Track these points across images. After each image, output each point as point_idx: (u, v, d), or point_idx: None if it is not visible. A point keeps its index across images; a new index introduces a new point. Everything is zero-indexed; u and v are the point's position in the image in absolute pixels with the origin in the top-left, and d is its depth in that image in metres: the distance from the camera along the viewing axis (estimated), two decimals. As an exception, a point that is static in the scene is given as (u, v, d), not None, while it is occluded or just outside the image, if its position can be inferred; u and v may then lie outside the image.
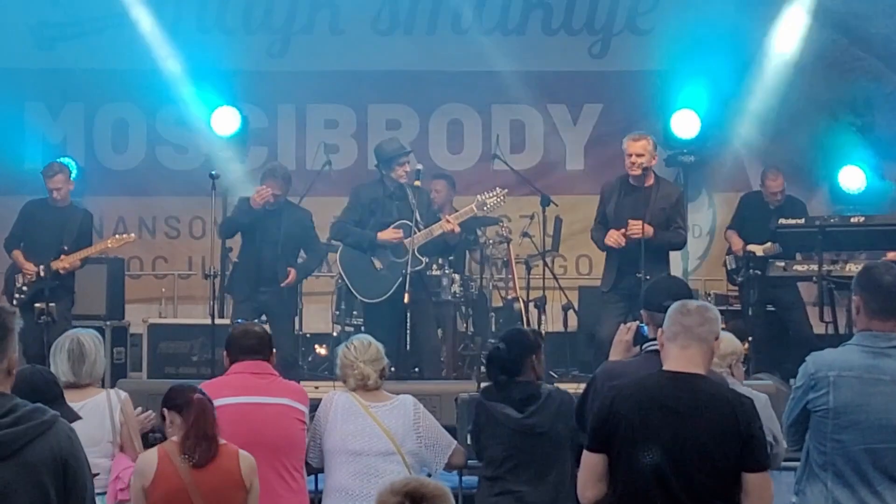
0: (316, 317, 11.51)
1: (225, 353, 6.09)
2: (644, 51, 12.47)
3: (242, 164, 12.00)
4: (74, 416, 4.59)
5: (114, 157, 12.75)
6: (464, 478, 6.66)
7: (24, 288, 9.83)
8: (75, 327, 7.11)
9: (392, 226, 9.40)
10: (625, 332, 5.44)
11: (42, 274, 9.78)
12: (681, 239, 9.44)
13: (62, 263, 9.79)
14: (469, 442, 6.14)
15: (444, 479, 6.56)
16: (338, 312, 10.84)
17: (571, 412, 5.62)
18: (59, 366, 5.87)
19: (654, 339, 4.94)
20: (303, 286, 11.23)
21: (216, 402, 5.24)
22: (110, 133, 12.74)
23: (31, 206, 10.25)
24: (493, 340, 10.88)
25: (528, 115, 12.76)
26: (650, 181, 9.21)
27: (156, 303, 12.20)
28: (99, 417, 5.81)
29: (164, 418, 5.45)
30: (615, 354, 5.44)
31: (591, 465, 4.42)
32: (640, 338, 5.29)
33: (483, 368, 10.48)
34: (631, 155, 9.11)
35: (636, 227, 8.99)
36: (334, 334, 10.99)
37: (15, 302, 9.59)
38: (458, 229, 9.35)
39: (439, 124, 12.78)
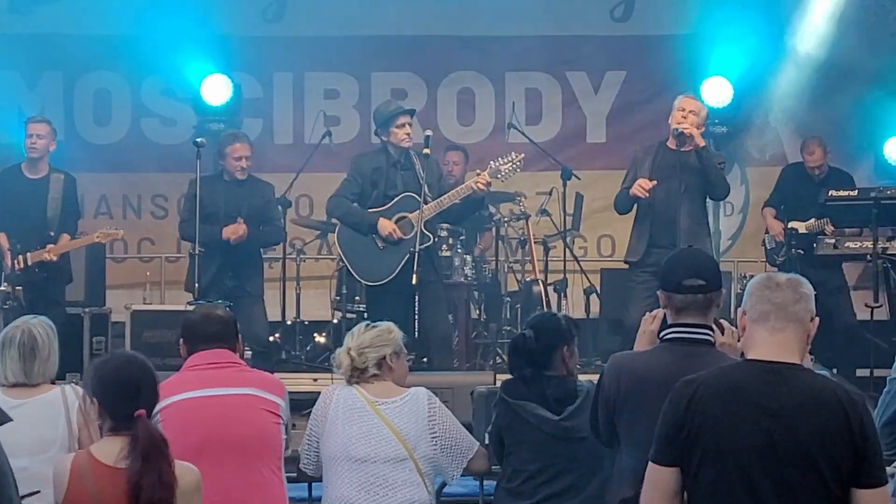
0: (314, 303, 10.89)
1: (181, 341, 5.16)
2: (671, 13, 11.74)
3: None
4: (3, 418, 3.78)
5: (95, 131, 12.01)
6: (485, 484, 5.82)
7: (5, 282, 9.01)
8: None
9: (396, 198, 8.67)
10: (649, 322, 4.68)
11: (24, 265, 8.98)
12: (726, 184, 8.71)
13: (48, 255, 9.04)
14: (487, 443, 5.35)
15: (462, 485, 5.75)
16: (338, 298, 10.18)
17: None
18: (8, 364, 5.01)
19: (673, 326, 4.31)
20: (300, 270, 10.68)
21: (161, 403, 4.34)
22: (91, 104, 12.00)
23: (4, 178, 9.39)
24: (508, 328, 10.25)
25: (545, 83, 12.04)
26: (690, 148, 8.48)
27: (140, 288, 11.36)
28: (52, 417, 4.96)
29: None
30: (640, 347, 4.68)
31: (660, 482, 3.54)
32: (665, 326, 4.49)
33: (498, 359, 10.00)
34: (683, 109, 8.46)
35: (685, 125, 8.34)
36: (335, 321, 10.41)
37: (2, 288, 8.89)
38: (488, 179, 8.52)
39: (449, 93, 12.06)
